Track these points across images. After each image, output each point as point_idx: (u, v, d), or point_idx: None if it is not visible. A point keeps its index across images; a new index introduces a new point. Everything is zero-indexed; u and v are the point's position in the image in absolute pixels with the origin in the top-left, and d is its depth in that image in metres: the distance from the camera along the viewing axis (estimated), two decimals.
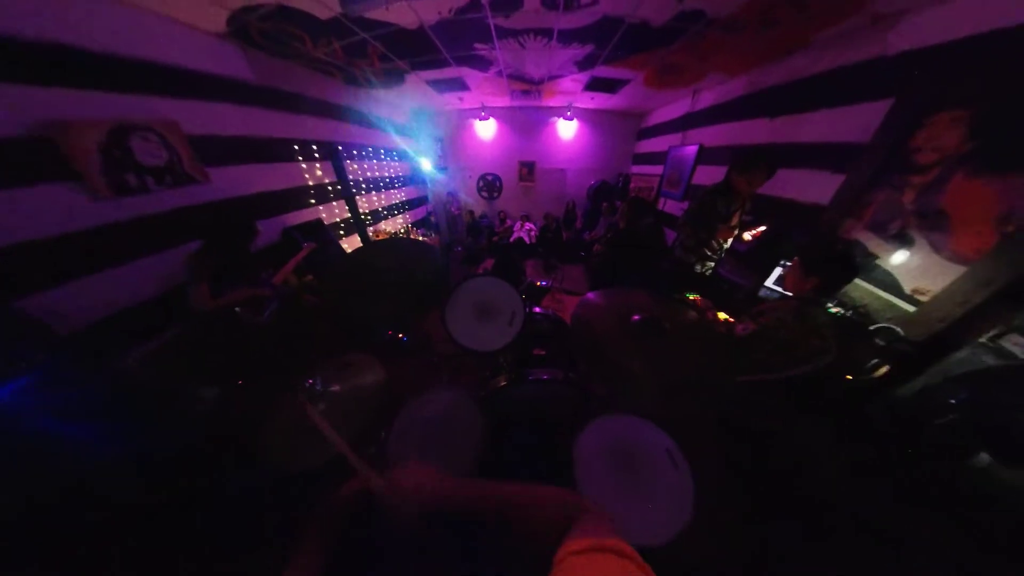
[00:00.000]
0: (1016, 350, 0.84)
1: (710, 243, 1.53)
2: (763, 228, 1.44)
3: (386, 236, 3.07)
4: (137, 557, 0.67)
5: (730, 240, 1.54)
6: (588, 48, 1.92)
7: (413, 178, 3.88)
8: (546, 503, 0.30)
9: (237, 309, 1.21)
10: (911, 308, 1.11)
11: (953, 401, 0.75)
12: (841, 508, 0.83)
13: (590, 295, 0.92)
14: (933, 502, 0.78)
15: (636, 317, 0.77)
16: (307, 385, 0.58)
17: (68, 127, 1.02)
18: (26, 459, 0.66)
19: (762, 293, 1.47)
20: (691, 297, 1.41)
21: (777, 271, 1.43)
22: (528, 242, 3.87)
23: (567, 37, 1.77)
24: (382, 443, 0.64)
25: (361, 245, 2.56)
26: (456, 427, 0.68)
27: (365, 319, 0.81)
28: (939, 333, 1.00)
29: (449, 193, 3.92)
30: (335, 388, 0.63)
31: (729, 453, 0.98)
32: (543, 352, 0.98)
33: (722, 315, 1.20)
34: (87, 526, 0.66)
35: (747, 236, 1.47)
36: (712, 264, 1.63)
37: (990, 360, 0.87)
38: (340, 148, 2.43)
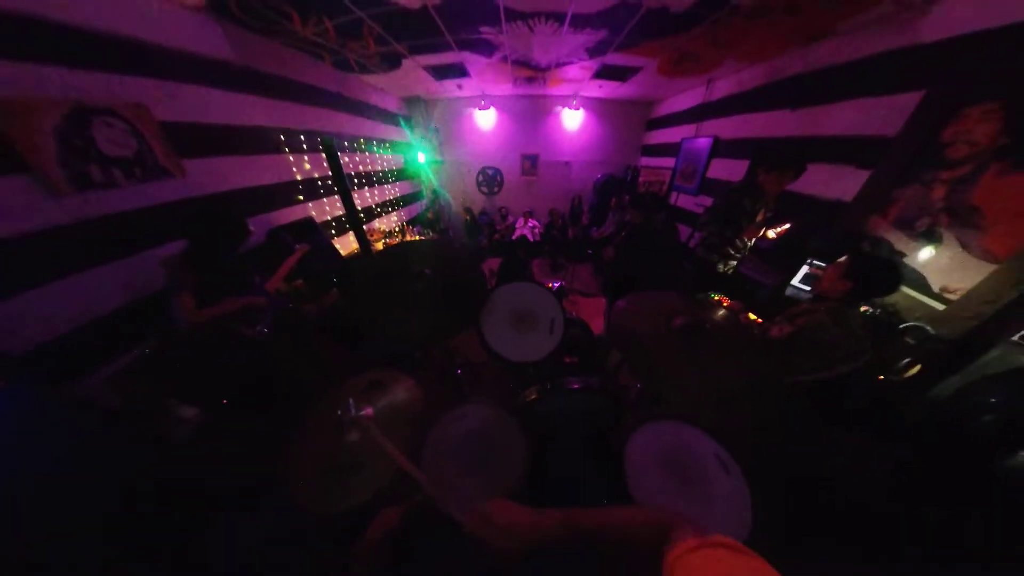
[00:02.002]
0: None
1: (735, 242, 1.55)
2: (788, 226, 1.46)
3: (380, 235, 2.98)
4: None
5: (754, 238, 1.56)
6: (601, 34, 1.89)
7: (407, 172, 3.78)
8: (638, 522, 0.32)
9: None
10: (940, 306, 1.16)
11: (993, 400, 0.78)
12: (881, 513, 0.85)
13: (620, 303, 0.91)
14: (974, 500, 0.81)
15: (678, 321, 0.76)
16: (337, 415, 0.54)
17: (16, 107, 0.91)
18: None
19: (788, 292, 1.49)
20: (715, 297, 1.42)
21: (804, 269, 1.46)
22: (532, 240, 3.84)
23: (580, 22, 1.74)
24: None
25: (358, 246, 2.47)
26: (495, 445, 0.66)
27: (397, 335, 0.75)
28: (970, 331, 1.05)
29: (435, 188, 3.83)
30: (367, 412, 0.58)
31: (771, 460, 0.99)
32: (575, 360, 0.97)
33: (752, 316, 1.22)
34: None
35: (772, 234, 1.50)
36: (734, 263, 1.66)
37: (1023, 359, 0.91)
38: (333, 139, 2.33)
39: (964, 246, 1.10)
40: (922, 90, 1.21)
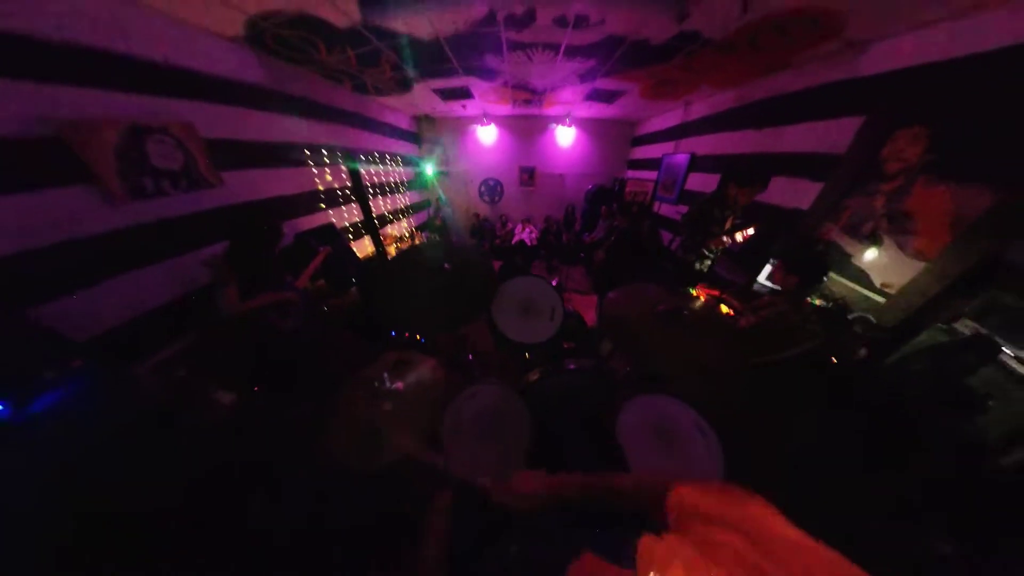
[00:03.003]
0: (965, 331, 0.97)
1: (707, 243, 1.64)
2: (752, 231, 1.56)
3: (393, 240, 3.04)
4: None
5: (725, 240, 1.65)
6: (591, 62, 1.99)
7: (417, 183, 3.86)
8: (643, 484, 0.34)
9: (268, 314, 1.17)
10: (881, 299, 1.25)
11: (918, 367, 0.86)
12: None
13: (612, 294, 0.96)
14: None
15: (661, 308, 0.82)
16: (374, 384, 0.58)
17: (83, 127, 0.98)
18: (52, 481, 0.61)
19: (755, 288, 1.59)
20: (694, 292, 1.51)
21: (767, 269, 1.55)
22: (529, 244, 3.92)
23: (573, 52, 1.84)
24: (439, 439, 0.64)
25: (374, 248, 2.53)
26: (504, 420, 0.69)
27: (421, 323, 0.80)
28: (905, 320, 1.14)
29: (439, 196, 3.96)
30: (398, 386, 0.62)
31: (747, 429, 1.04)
32: (572, 344, 1.04)
33: (724, 308, 1.30)
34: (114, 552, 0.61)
35: (739, 237, 1.59)
36: (709, 263, 1.75)
37: (944, 339, 1.00)
38: (352, 153, 2.40)
39: (900, 247, 1.19)
40: (863, 115, 1.32)
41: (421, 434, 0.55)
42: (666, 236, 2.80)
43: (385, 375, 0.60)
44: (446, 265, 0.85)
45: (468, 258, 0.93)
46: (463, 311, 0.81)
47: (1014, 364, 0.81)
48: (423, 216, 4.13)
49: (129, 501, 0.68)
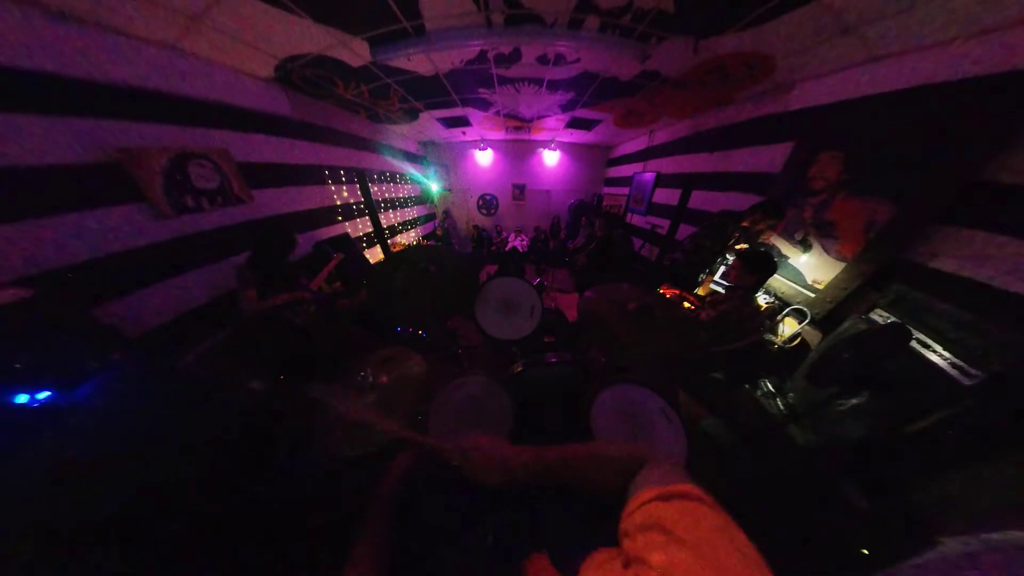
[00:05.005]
0: (880, 320, 1.02)
1: (703, 252, 1.60)
2: (746, 246, 1.46)
3: (401, 248, 3.05)
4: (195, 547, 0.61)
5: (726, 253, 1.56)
6: (570, 94, 2.06)
7: (423, 198, 3.89)
8: (606, 459, 0.28)
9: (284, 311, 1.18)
10: (812, 294, 1.29)
11: (847, 355, 0.89)
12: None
13: (588, 292, 0.92)
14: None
15: (632, 305, 0.78)
16: (359, 378, 0.54)
17: (137, 154, 1.01)
18: (104, 454, 0.62)
19: (713, 286, 1.63)
20: (660, 290, 1.55)
21: (721, 269, 1.60)
22: (521, 251, 3.96)
23: (554, 85, 1.90)
24: (423, 425, 0.61)
25: (383, 255, 2.54)
26: (487, 408, 0.66)
27: (409, 317, 0.78)
28: (831, 311, 1.19)
29: (444, 210, 4.02)
30: (383, 380, 0.57)
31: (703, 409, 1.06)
32: (552, 339, 1.04)
33: (686, 304, 1.34)
34: (157, 518, 0.61)
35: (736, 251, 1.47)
36: (694, 267, 1.69)
37: (864, 327, 1.05)
38: (365, 173, 2.42)
39: (826, 250, 1.24)
40: (792, 141, 1.39)
41: (407, 419, 0.51)
42: (636, 242, 2.87)
43: (369, 369, 0.56)
44: (431, 267, 0.83)
45: (453, 261, 0.90)
46: (446, 307, 0.80)
47: (918, 347, 0.86)
48: (430, 227, 4.15)
49: (167, 466, 0.68)
